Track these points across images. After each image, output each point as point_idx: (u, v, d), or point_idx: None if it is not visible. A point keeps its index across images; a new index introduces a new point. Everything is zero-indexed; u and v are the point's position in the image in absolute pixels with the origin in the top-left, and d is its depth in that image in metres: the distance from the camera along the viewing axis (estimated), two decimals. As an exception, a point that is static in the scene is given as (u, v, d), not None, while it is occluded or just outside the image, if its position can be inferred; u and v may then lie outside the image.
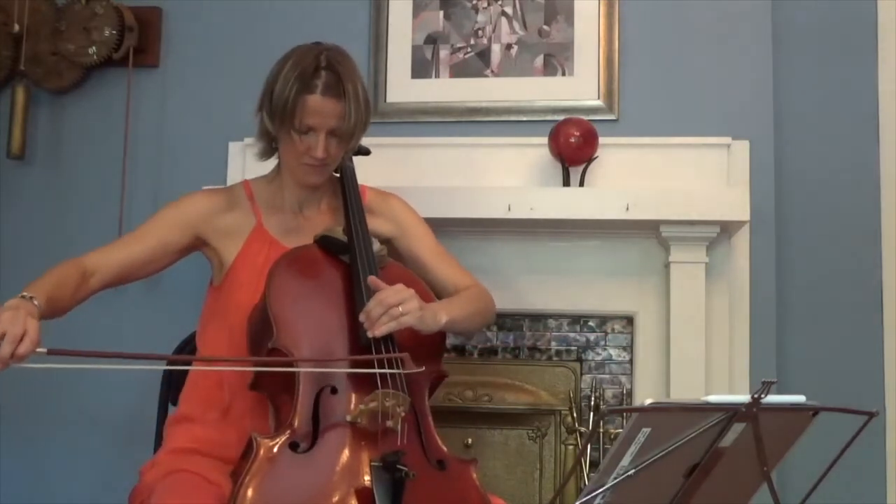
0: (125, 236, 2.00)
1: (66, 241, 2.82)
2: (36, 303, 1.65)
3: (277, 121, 1.88)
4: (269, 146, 2.01)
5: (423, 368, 1.74)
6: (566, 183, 2.53)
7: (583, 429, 2.51)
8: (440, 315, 1.82)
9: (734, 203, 2.40)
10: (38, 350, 1.57)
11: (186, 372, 2.00)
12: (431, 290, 1.96)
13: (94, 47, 2.76)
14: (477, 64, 2.72)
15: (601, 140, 2.52)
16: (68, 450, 2.74)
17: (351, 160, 2.05)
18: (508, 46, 2.72)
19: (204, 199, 2.00)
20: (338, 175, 2.04)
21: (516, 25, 2.72)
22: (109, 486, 2.46)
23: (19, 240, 2.85)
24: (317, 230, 1.93)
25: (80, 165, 2.86)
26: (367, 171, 2.12)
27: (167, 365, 2.00)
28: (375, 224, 2.01)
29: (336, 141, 1.91)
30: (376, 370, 1.70)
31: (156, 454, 1.91)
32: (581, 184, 2.53)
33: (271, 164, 2.08)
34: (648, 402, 1.19)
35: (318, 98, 1.85)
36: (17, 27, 2.77)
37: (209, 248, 1.99)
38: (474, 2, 2.74)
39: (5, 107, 2.80)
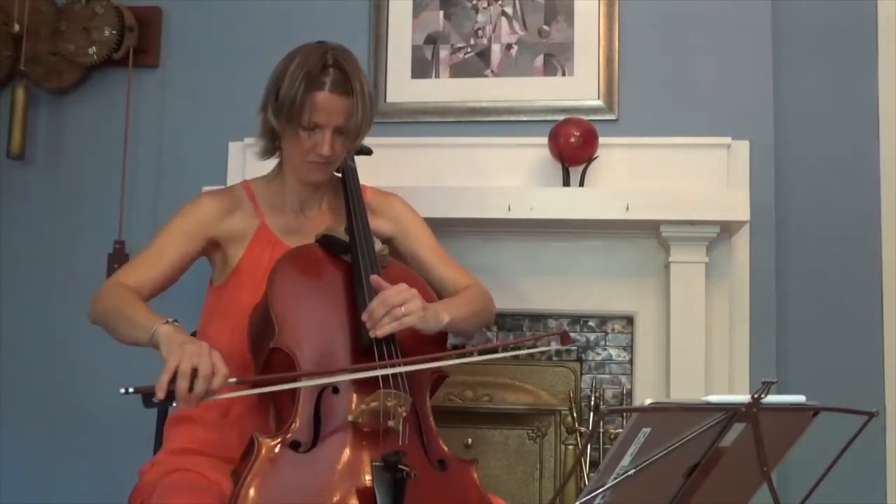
0: (146, 254, 1.95)
1: (66, 241, 2.83)
2: (179, 324, 1.70)
3: (284, 118, 1.88)
4: (272, 145, 2.01)
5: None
6: (566, 183, 2.53)
7: (583, 429, 2.51)
8: (442, 315, 1.82)
9: (734, 203, 2.40)
10: (229, 381, 1.60)
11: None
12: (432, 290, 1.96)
13: (94, 47, 2.76)
14: (477, 64, 2.72)
15: (601, 140, 2.52)
16: (68, 450, 2.74)
17: (353, 160, 2.05)
18: (508, 46, 2.72)
19: (212, 203, 2.00)
20: (339, 175, 2.04)
21: (516, 25, 2.72)
22: (109, 486, 2.46)
23: (19, 240, 2.85)
24: (318, 230, 1.93)
25: (80, 165, 2.86)
26: (366, 171, 2.12)
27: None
28: (376, 223, 2.01)
29: (342, 139, 1.91)
30: (378, 371, 1.71)
31: (156, 454, 1.91)
32: (581, 184, 2.53)
33: (270, 164, 2.08)
34: (648, 402, 1.19)
35: (327, 95, 1.86)
36: (17, 27, 2.77)
37: (218, 251, 1.99)
38: (474, 2, 2.74)
39: (5, 107, 2.80)
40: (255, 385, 1.72)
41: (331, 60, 1.88)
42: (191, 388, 1.55)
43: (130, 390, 1.54)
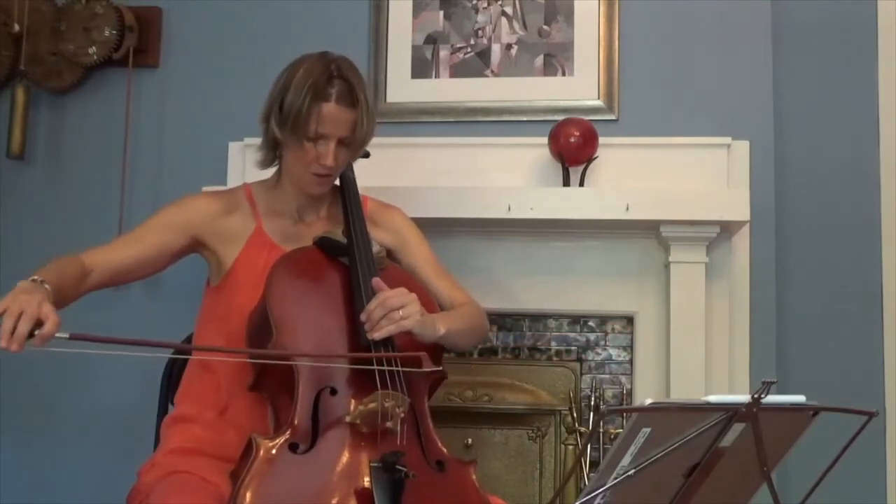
0: (124, 236, 1.98)
1: (66, 241, 2.79)
2: (47, 287, 1.65)
3: (289, 129, 1.87)
4: (273, 155, 2.00)
5: (441, 368, 1.76)
6: (566, 183, 2.53)
7: (583, 429, 2.51)
8: (439, 325, 1.82)
9: (734, 203, 2.40)
10: (60, 335, 1.57)
11: (185, 372, 2.00)
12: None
13: (94, 47, 2.76)
14: (477, 64, 2.72)
15: (601, 140, 2.52)
16: (68, 450, 2.74)
17: (350, 166, 2.05)
18: (508, 46, 2.72)
19: (204, 202, 2.00)
20: (337, 182, 2.04)
21: (516, 25, 2.72)
22: (109, 486, 2.46)
23: (19, 240, 2.85)
24: (316, 236, 1.93)
25: (80, 165, 2.86)
26: (366, 172, 2.12)
27: (175, 353, 1.99)
28: (376, 234, 2.00)
29: (345, 150, 1.91)
30: (375, 366, 1.70)
31: (153, 455, 1.90)
32: (581, 184, 2.53)
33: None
34: (648, 402, 1.19)
35: (333, 106, 1.85)
36: (17, 27, 2.77)
37: (207, 251, 1.99)
38: (474, 2, 2.74)
39: (5, 107, 2.80)
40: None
41: (336, 72, 1.87)
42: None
43: None
